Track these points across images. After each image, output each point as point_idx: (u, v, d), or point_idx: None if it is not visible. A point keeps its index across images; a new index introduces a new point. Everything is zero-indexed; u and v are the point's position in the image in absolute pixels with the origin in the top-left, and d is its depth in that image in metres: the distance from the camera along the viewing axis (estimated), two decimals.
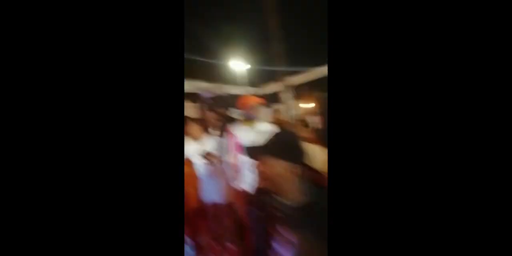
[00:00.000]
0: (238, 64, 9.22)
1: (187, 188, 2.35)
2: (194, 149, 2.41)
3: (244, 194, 2.24)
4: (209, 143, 2.44)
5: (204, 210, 2.40)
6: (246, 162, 2.21)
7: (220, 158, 2.37)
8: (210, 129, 2.64)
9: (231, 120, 2.73)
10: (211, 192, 2.37)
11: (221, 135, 2.54)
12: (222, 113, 2.66)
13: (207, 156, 2.38)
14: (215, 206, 2.39)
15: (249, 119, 2.39)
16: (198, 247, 2.40)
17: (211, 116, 2.66)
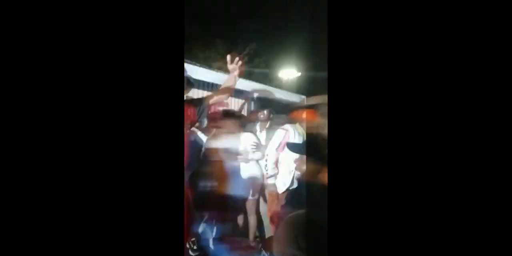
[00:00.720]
0: (289, 72, 9.33)
1: (220, 183, 2.41)
2: (231, 143, 2.44)
3: (275, 191, 2.32)
4: (245, 139, 2.48)
5: (234, 205, 2.47)
6: (285, 160, 2.30)
7: (254, 154, 2.45)
8: (249, 126, 2.72)
9: (273, 121, 2.85)
10: (242, 187, 2.44)
11: (259, 132, 2.69)
12: (266, 114, 2.80)
13: (242, 151, 2.43)
14: (246, 201, 2.47)
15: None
16: (225, 241, 2.45)
17: (254, 114, 2.82)
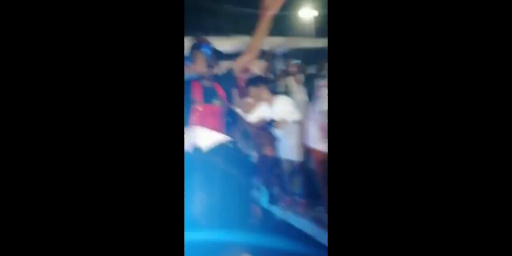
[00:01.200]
0: (308, 14, 8.68)
1: (265, 147, 2.49)
2: (266, 111, 2.35)
3: (316, 152, 2.29)
4: (281, 105, 2.36)
5: (279, 166, 2.52)
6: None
7: (294, 120, 2.35)
8: (280, 88, 2.56)
9: (309, 75, 2.66)
10: (285, 150, 2.43)
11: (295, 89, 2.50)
12: (296, 68, 2.58)
13: (279, 120, 2.33)
14: (289, 163, 2.47)
15: None
16: (272, 197, 2.57)
17: (285, 74, 2.60)
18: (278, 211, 2.47)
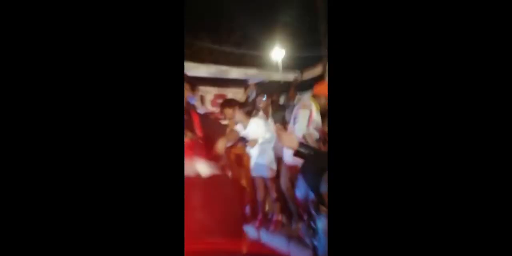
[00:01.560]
0: (279, 52, 9.31)
1: (239, 166, 2.65)
2: (242, 132, 2.50)
3: (292, 169, 2.34)
4: (254, 126, 2.51)
5: (253, 184, 2.63)
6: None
7: (266, 139, 2.50)
8: (257, 113, 2.76)
9: (280, 105, 2.89)
10: (258, 168, 2.54)
11: (267, 119, 2.72)
12: (264, 100, 2.82)
13: (251, 140, 2.48)
14: (264, 180, 2.57)
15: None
16: (245, 217, 2.65)
17: (259, 101, 2.84)
18: (252, 230, 2.52)
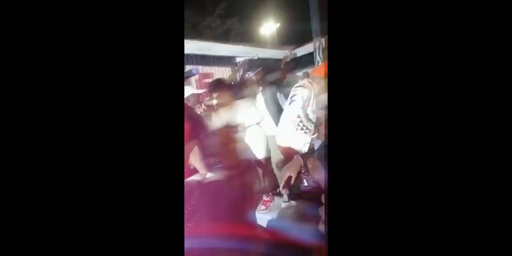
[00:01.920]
0: (269, 27, 8.91)
1: (229, 146, 2.48)
2: (228, 115, 2.40)
3: (288, 150, 2.34)
4: (241, 108, 2.43)
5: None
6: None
7: (257, 122, 2.44)
8: (244, 94, 2.67)
9: (268, 83, 2.78)
10: (251, 151, 2.50)
11: (255, 98, 2.61)
12: (255, 75, 2.69)
13: (238, 124, 2.41)
14: (257, 162, 2.53)
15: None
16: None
17: (247, 79, 2.71)
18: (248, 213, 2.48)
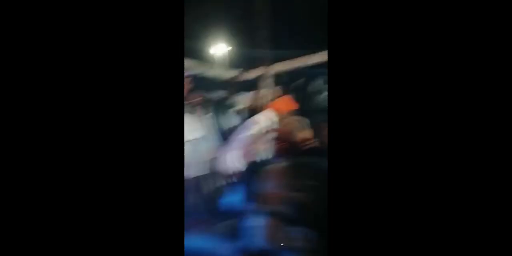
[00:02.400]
0: (221, 46, 9.14)
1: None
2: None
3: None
4: (187, 121, 2.38)
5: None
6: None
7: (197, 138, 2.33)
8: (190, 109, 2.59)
9: (212, 102, 2.74)
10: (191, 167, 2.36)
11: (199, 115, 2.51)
12: (203, 94, 2.64)
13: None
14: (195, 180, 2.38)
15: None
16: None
17: (192, 96, 2.61)
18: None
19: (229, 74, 4.02)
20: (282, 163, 0.89)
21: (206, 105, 2.67)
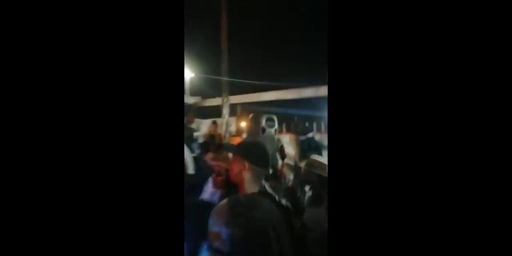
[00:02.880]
0: (188, 76, 9.63)
1: None
2: None
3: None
4: None
5: None
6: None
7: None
8: None
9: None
10: None
11: None
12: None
13: None
14: None
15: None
16: None
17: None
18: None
19: (190, 100, 4.19)
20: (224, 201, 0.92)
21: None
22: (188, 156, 2.20)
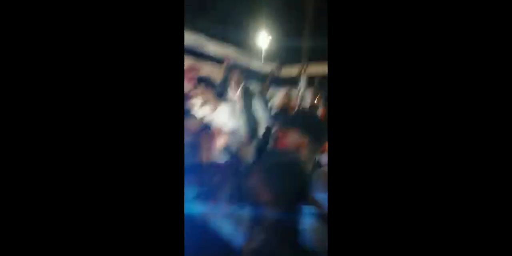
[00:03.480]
0: (263, 39, 9.03)
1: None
2: (208, 116, 2.28)
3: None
4: (222, 111, 2.34)
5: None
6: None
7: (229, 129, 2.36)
8: (227, 98, 2.63)
9: (251, 93, 2.78)
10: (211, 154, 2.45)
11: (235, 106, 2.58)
12: (246, 85, 2.71)
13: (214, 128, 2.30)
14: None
15: None
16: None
17: (232, 85, 2.70)
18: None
19: (266, 67, 4.00)
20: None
21: (245, 95, 2.71)
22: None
